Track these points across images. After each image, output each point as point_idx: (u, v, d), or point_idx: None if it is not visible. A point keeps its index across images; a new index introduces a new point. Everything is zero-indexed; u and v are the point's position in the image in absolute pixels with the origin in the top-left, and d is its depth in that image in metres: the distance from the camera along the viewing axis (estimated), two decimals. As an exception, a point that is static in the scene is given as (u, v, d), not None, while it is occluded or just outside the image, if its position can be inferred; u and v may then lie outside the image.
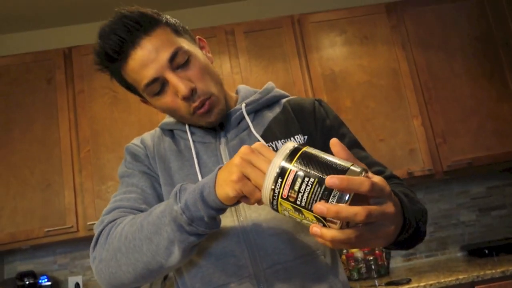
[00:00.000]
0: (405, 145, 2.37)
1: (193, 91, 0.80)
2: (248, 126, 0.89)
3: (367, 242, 0.53)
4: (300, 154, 0.55)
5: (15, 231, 2.21)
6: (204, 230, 0.68)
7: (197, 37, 0.91)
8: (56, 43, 2.78)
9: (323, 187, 0.51)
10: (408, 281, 1.99)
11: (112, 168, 2.30)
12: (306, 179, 0.52)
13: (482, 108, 2.44)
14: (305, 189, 0.52)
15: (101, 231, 0.79)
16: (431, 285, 1.92)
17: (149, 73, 0.79)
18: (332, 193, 0.50)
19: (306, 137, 0.89)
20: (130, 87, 0.86)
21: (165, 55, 0.79)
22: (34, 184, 2.27)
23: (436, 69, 2.48)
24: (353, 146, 0.90)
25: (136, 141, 0.96)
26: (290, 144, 0.57)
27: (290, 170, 0.53)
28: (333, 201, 0.50)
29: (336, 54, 2.49)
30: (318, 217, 0.51)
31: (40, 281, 2.33)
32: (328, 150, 0.60)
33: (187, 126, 0.90)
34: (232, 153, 0.86)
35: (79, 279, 2.47)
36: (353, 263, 2.34)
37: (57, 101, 2.37)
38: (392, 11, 2.55)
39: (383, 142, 2.36)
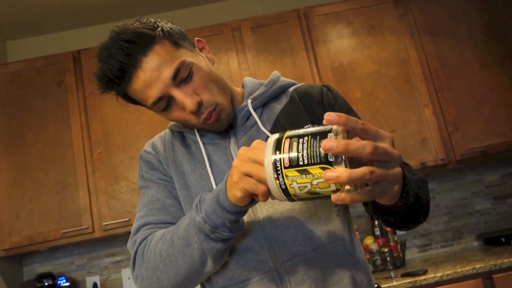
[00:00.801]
0: (417, 134, 2.35)
1: (199, 104, 0.79)
2: (256, 122, 0.88)
3: (381, 187, 0.52)
4: (286, 135, 0.57)
5: (32, 233, 2.24)
6: (228, 235, 0.70)
7: (196, 39, 0.90)
8: (65, 46, 2.81)
9: (317, 138, 0.52)
10: (425, 272, 1.98)
11: (124, 168, 2.32)
12: (301, 139, 0.54)
13: (494, 94, 2.40)
14: (302, 147, 0.53)
15: (136, 252, 0.82)
16: (447, 275, 1.91)
17: (153, 93, 0.78)
18: (328, 136, 0.52)
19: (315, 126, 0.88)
20: (138, 103, 0.86)
21: (167, 73, 0.78)
22: (49, 186, 2.30)
23: (445, 57, 2.45)
24: None
25: (148, 147, 0.96)
26: (273, 135, 0.59)
27: (284, 141, 0.55)
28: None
29: (343, 45, 2.47)
30: (326, 166, 0.51)
31: (58, 282, 2.36)
32: None
33: (196, 130, 0.90)
34: None
35: (96, 279, 2.50)
36: (368, 256, 2.33)
37: (68, 103, 2.40)
38: (399, 0, 2.52)
39: (394, 132, 2.34)
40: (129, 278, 2.51)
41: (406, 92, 2.41)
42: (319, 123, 0.87)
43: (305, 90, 0.93)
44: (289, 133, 0.57)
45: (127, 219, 2.24)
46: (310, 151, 0.52)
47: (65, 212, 2.27)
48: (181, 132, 0.94)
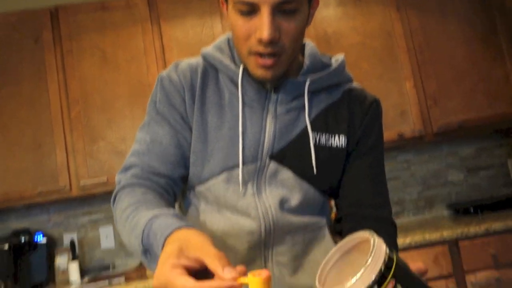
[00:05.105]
0: (397, 107, 2.38)
1: (273, 41, 0.71)
2: (303, 107, 0.83)
3: None
4: (397, 263, 0.50)
5: (8, 190, 2.23)
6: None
7: None
8: (43, 1, 2.70)
9: None
10: (395, 238, 2.04)
11: (103, 129, 2.30)
12: None
13: (474, 70, 2.43)
14: None
15: (116, 193, 0.80)
16: (416, 241, 1.98)
17: None
18: None
19: (347, 139, 0.85)
20: None
21: None
22: (25, 144, 2.27)
23: (430, 31, 2.46)
24: (377, 176, 0.88)
25: (173, 72, 0.85)
26: (383, 247, 0.51)
27: (390, 280, 0.49)
28: None
29: (329, 15, 2.45)
30: None
31: (35, 238, 2.37)
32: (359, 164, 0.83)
33: (240, 80, 0.81)
34: (277, 130, 0.82)
35: (74, 236, 2.52)
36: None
37: (45, 61, 2.34)
38: (386, -30, 2.49)
39: (374, 103, 2.36)
40: (106, 237, 2.53)
41: (389, 65, 2.42)
42: (349, 137, 0.84)
43: (357, 97, 0.88)
44: (398, 269, 0.49)
45: (105, 179, 2.24)
46: None
47: (42, 170, 2.25)
48: (217, 71, 0.85)
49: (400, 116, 2.37)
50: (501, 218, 2.09)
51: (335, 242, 0.89)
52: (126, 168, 0.82)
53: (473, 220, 2.20)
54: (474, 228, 2.00)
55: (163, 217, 0.64)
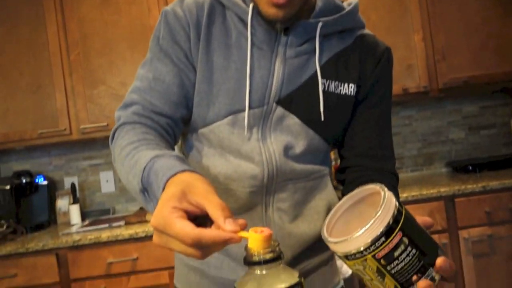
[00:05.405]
0: (403, 60, 2.32)
1: None
2: (313, 51, 0.80)
3: None
4: (405, 216, 0.51)
5: (8, 131, 2.23)
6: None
7: None
8: None
9: (421, 263, 0.52)
10: (392, 192, 2.07)
11: (103, 73, 2.26)
12: (409, 248, 0.51)
13: (486, 25, 2.35)
14: (404, 259, 0.51)
15: (115, 130, 0.78)
16: (413, 196, 2.00)
17: None
18: (428, 272, 0.52)
19: (356, 88, 0.83)
20: None
21: None
22: (24, 86, 2.24)
23: (444, -19, 2.35)
24: (385, 127, 0.87)
25: (177, 7, 0.81)
26: (393, 200, 0.52)
27: (397, 233, 0.50)
28: (427, 278, 0.53)
29: (340, -41, 2.33)
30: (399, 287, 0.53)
31: (36, 180, 2.40)
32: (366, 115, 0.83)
33: (249, 19, 0.77)
34: (285, 75, 0.80)
35: (74, 179, 2.55)
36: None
37: (43, 1, 2.26)
38: None
39: (381, 56, 2.30)
40: (107, 181, 2.56)
41: (398, 16, 2.33)
42: (359, 86, 0.83)
43: (371, 45, 0.85)
44: (405, 223, 0.51)
45: (106, 123, 2.23)
46: (405, 267, 0.51)
47: (42, 113, 2.24)
48: (224, 8, 0.81)
49: (406, 70, 2.33)
50: (498, 177, 2.11)
51: (337, 196, 0.90)
52: (127, 105, 0.79)
53: (470, 177, 2.23)
54: (471, 186, 2.02)
55: (166, 158, 0.62)
